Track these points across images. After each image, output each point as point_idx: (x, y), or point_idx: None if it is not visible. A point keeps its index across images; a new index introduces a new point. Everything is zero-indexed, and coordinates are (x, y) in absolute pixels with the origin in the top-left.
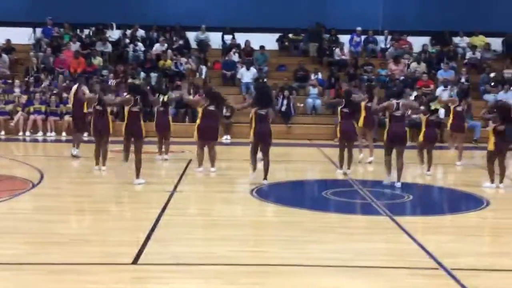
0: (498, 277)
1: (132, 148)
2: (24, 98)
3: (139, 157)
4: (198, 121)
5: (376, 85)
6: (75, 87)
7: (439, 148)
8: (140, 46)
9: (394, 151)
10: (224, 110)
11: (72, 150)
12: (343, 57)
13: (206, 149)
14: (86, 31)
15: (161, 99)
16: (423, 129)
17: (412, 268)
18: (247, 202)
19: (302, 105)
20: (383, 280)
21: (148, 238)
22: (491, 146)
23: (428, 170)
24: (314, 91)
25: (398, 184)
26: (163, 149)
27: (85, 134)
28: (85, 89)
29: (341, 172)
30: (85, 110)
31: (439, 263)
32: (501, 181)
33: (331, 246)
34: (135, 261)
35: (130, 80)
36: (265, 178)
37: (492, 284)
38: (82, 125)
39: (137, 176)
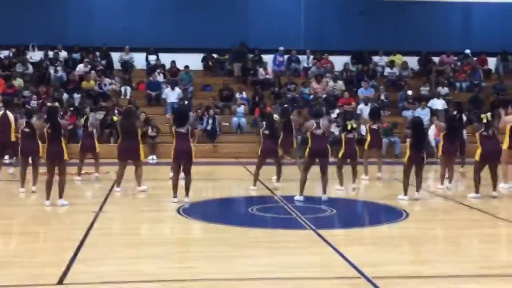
0: (418, 284)
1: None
2: None
3: (63, 178)
4: (119, 141)
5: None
6: (0, 112)
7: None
8: (61, 68)
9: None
10: (150, 130)
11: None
12: (267, 76)
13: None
14: (6, 52)
15: (82, 121)
16: (343, 146)
17: (336, 278)
18: (174, 220)
19: (227, 124)
20: None
21: (73, 258)
22: (406, 159)
23: (354, 182)
24: (240, 110)
25: (325, 197)
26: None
27: (6, 157)
28: (10, 115)
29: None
30: (12, 137)
31: (361, 272)
32: (417, 190)
33: (258, 260)
34: (60, 281)
35: (49, 104)
36: (186, 195)
37: None
38: (10, 149)
39: (60, 196)
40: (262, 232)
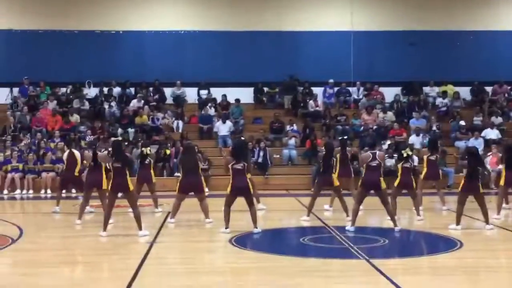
0: None
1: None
2: (1, 157)
3: (136, 211)
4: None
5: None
6: (67, 152)
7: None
8: (116, 103)
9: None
10: (202, 163)
11: (55, 207)
12: (317, 108)
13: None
14: (63, 89)
15: (143, 152)
16: (399, 176)
17: None
18: (226, 250)
19: (278, 156)
20: None
21: (129, 286)
22: (460, 188)
23: (418, 214)
24: (291, 142)
25: (397, 229)
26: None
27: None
28: (76, 153)
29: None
30: (76, 172)
31: None
32: (486, 221)
33: None
34: None
35: (113, 139)
36: (255, 227)
37: None
38: (78, 184)
39: (140, 228)
40: (314, 261)
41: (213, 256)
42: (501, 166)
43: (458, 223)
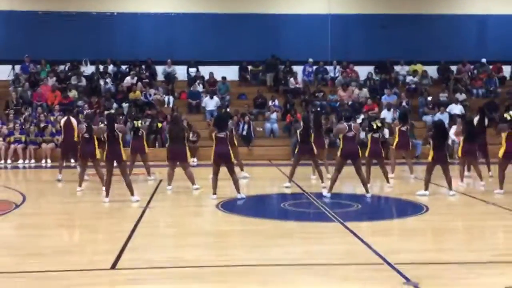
0: (435, 269)
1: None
2: (5, 129)
3: (127, 179)
4: (168, 144)
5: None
6: (64, 118)
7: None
8: (111, 80)
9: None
10: (191, 135)
11: (58, 176)
12: (297, 85)
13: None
14: (62, 67)
15: (135, 125)
16: (368, 145)
17: (360, 264)
18: (213, 214)
19: (261, 129)
20: (335, 275)
21: (124, 247)
22: (430, 159)
23: (388, 182)
24: (273, 116)
25: (369, 195)
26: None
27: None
28: (73, 120)
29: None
30: (75, 137)
31: (384, 259)
32: (450, 188)
33: (289, 248)
34: (113, 267)
35: (107, 112)
36: (238, 193)
37: (431, 274)
38: (74, 152)
39: (132, 194)
40: (294, 224)
41: (201, 219)
42: (461, 138)
43: (426, 189)
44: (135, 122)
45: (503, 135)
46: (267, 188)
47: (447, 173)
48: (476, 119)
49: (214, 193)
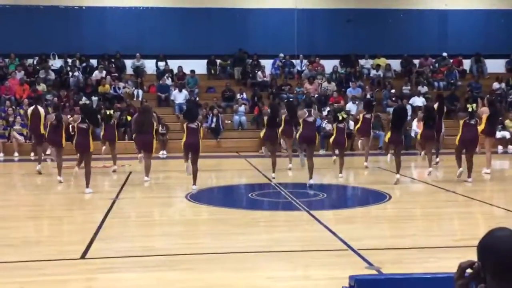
0: (397, 254)
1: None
2: None
3: (88, 168)
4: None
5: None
6: (31, 108)
7: (351, 155)
8: (80, 73)
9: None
10: (161, 128)
11: (37, 166)
12: (265, 78)
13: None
14: (30, 61)
15: (106, 113)
16: (333, 134)
17: (325, 250)
18: (182, 205)
19: (229, 121)
20: (301, 261)
21: (94, 237)
22: (386, 139)
23: (340, 172)
24: (241, 109)
25: (311, 182)
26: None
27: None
28: (40, 109)
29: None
30: (41, 129)
31: (348, 245)
32: (397, 171)
33: (256, 236)
34: (83, 256)
35: (81, 102)
36: (194, 184)
37: (393, 259)
38: (41, 141)
39: (87, 185)
40: (261, 213)
41: (171, 209)
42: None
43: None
44: (107, 111)
45: (461, 122)
46: (235, 179)
47: (398, 156)
48: (435, 106)
49: (194, 184)
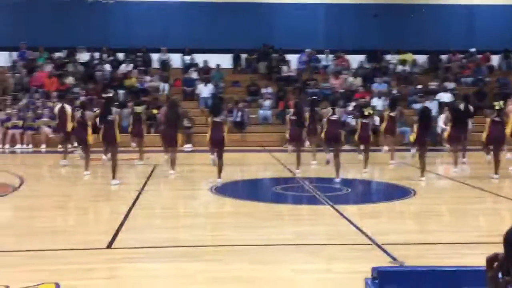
0: (422, 250)
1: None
2: (3, 114)
3: (115, 161)
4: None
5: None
6: (59, 105)
7: (375, 151)
8: (107, 66)
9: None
10: (186, 122)
11: (61, 161)
12: (290, 73)
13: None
14: (58, 54)
15: (135, 110)
16: (358, 130)
17: (349, 244)
18: (207, 197)
19: (254, 116)
20: (324, 254)
21: (120, 227)
22: (411, 139)
23: (365, 168)
24: (266, 103)
25: (338, 180)
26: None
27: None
28: (67, 108)
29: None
30: (68, 127)
31: (372, 240)
32: (422, 174)
33: (280, 229)
34: (109, 246)
35: (104, 95)
36: (219, 177)
37: (416, 254)
38: (68, 137)
39: (114, 177)
40: (285, 207)
41: (195, 202)
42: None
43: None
44: (135, 107)
45: (488, 120)
46: (260, 172)
47: (422, 158)
48: (462, 106)
49: (219, 177)
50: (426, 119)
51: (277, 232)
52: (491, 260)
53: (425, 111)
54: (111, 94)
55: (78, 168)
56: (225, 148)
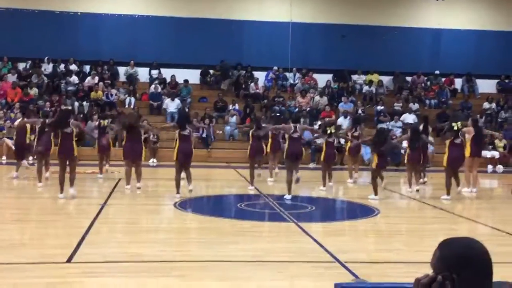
0: (384, 268)
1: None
2: None
3: (73, 174)
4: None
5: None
6: (19, 120)
7: (340, 169)
8: (74, 78)
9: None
10: (152, 136)
11: (13, 173)
12: (257, 90)
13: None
14: (23, 65)
15: (101, 124)
16: (324, 149)
17: (313, 261)
18: (171, 213)
19: (221, 132)
20: (288, 271)
21: (80, 241)
22: (374, 165)
23: (324, 186)
24: (233, 119)
25: (288, 197)
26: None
27: (30, 158)
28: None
29: (252, 188)
30: (27, 139)
31: (335, 258)
32: (375, 193)
33: (243, 246)
34: (69, 260)
35: (63, 107)
36: (189, 183)
37: (379, 272)
38: (25, 152)
39: (71, 185)
40: (249, 223)
41: (158, 217)
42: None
43: (376, 193)
44: (101, 121)
45: (447, 142)
46: (225, 189)
47: (374, 179)
48: (421, 127)
49: (178, 192)
50: (383, 139)
51: (241, 248)
52: (427, 284)
53: (381, 131)
54: (69, 107)
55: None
56: (191, 163)
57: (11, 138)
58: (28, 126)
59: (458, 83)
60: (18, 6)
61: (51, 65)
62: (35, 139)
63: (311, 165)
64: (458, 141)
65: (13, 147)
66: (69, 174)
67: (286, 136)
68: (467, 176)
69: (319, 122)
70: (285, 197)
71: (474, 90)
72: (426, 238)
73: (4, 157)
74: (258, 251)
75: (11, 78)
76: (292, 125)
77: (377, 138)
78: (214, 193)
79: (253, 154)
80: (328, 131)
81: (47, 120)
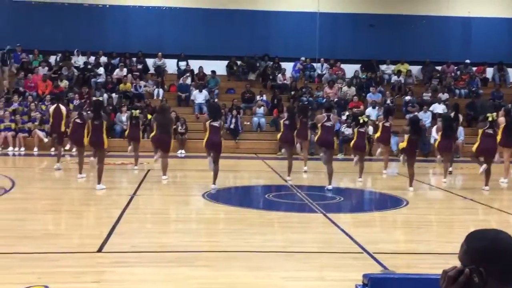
0: (412, 259)
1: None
2: None
3: (101, 166)
4: (153, 133)
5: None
6: (53, 106)
7: (369, 160)
8: (101, 70)
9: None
10: (180, 127)
11: (56, 165)
12: (285, 81)
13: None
14: (54, 57)
15: (133, 114)
16: (354, 139)
17: (341, 252)
18: (199, 203)
19: (248, 123)
20: (315, 262)
21: (111, 232)
22: (401, 149)
23: (360, 177)
24: (260, 110)
25: (330, 187)
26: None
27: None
28: (62, 108)
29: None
30: (62, 128)
31: (363, 248)
32: (410, 184)
33: (271, 236)
34: (99, 250)
35: (95, 98)
36: (214, 183)
37: (408, 263)
38: (62, 139)
39: (99, 182)
40: (277, 214)
41: (187, 207)
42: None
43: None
44: (133, 111)
45: (480, 131)
46: (253, 180)
47: (411, 167)
48: (452, 115)
49: (214, 183)
50: (415, 128)
51: (269, 239)
52: (454, 277)
53: (415, 120)
54: (100, 98)
55: (70, 172)
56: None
57: (42, 130)
58: (64, 112)
59: (489, 72)
60: (49, 0)
61: (81, 57)
62: (69, 131)
63: (339, 156)
64: (490, 131)
65: (45, 139)
66: (96, 166)
67: (319, 125)
68: (505, 166)
69: (347, 113)
70: (326, 187)
71: (506, 79)
72: (456, 229)
73: (35, 148)
74: (285, 241)
75: (42, 71)
76: (324, 114)
77: (412, 127)
78: (242, 183)
79: (285, 140)
80: (361, 121)
81: (83, 113)
